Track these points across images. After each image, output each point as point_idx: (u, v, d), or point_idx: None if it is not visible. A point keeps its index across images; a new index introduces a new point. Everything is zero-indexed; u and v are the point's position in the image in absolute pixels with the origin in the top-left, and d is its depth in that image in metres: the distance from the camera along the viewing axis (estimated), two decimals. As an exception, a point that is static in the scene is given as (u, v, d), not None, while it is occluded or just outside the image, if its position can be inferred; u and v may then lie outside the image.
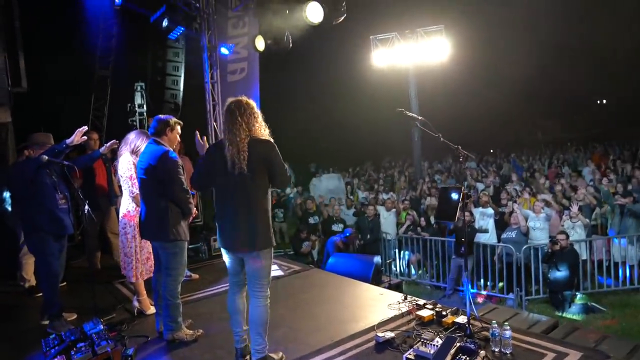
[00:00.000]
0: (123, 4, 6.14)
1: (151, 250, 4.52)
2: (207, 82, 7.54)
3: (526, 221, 8.03)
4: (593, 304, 7.23)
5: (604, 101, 37.91)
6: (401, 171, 16.59)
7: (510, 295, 7.79)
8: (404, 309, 4.36)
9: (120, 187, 4.99)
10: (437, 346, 3.31)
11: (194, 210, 3.94)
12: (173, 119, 3.95)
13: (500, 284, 7.97)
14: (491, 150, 25.66)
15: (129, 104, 11.83)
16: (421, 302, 4.46)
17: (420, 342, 3.40)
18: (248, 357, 3.40)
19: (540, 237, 8.03)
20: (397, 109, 3.63)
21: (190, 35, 7.69)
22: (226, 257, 3.37)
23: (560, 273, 7.32)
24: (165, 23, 6.68)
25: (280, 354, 3.50)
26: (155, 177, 3.70)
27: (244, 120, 3.14)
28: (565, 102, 34.04)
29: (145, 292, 4.63)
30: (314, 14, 5.81)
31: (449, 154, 21.69)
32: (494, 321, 3.51)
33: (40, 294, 5.36)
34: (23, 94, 6.47)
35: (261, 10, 6.92)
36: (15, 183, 4.30)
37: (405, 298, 4.64)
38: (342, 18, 5.96)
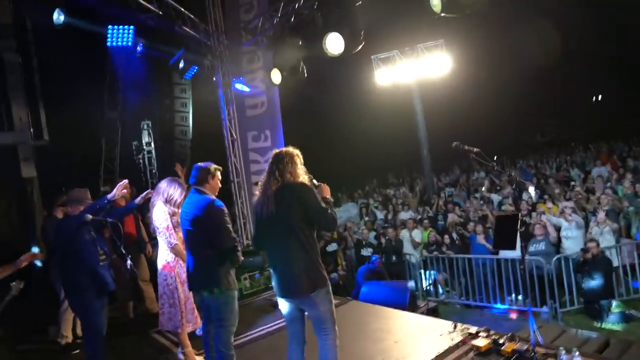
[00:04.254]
0: (145, 50, 6.18)
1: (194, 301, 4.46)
2: (225, 119, 7.53)
3: (557, 231, 7.92)
4: (631, 311, 7.08)
5: (600, 97, 38.04)
6: (412, 187, 16.52)
7: (544, 309, 7.64)
8: (457, 339, 4.27)
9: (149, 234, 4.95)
10: (506, 380, 3.22)
11: (241, 257, 3.86)
12: (213, 166, 3.91)
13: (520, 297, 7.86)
14: (495, 157, 25.62)
15: (135, 142, 11.87)
16: (473, 329, 4.37)
17: (488, 377, 3.31)
18: None
19: (572, 246, 7.81)
20: (453, 143, 3.62)
21: (202, 73, 7.71)
22: (283, 306, 3.36)
23: (595, 282, 7.20)
24: (181, 64, 6.72)
25: None
26: (203, 227, 3.65)
27: (279, 169, 3.23)
28: (561, 101, 34.20)
29: (189, 343, 4.53)
30: (334, 45, 5.82)
31: (455, 165, 21.69)
32: (561, 347, 3.42)
33: (77, 351, 5.29)
34: (45, 146, 6.47)
35: (274, 43, 6.96)
36: (57, 242, 4.24)
37: (455, 327, 4.55)
38: (361, 47, 5.98)
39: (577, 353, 3.31)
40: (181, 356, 4.49)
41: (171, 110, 11.21)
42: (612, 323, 6.95)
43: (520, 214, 3.41)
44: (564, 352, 3.35)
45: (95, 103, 9.82)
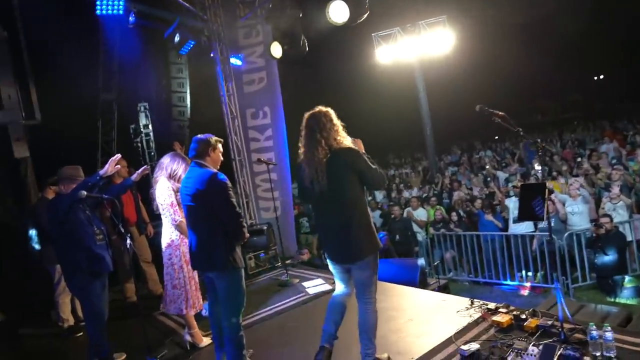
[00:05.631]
0: (137, 21, 5.84)
1: (198, 280, 4.27)
2: (224, 95, 7.23)
3: (563, 207, 7.75)
4: (645, 285, 6.95)
5: (602, 77, 37.63)
6: (414, 167, 16.32)
7: (556, 284, 7.48)
8: (476, 315, 4.08)
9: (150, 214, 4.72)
10: (535, 356, 3.04)
11: (247, 234, 3.63)
12: (214, 138, 3.66)
13: (538, 274, 7.69)
14: (496, 137, 25.46)
15: (132, 125, 11.58)
16: (491, 305, 4.19)
17: (514, 353, 3.12)
18: None
19: (579, 222, 7.72)
20: (477, 106, 3.37)
21: (198, 49, 7.40)
22: (332, 268, 3.37)
23: (609, 257, 7.04)
24: (177, 38, 6.41)
25: (386, 354, 3.50)
26: (205, 202, 3.41)
27: (323, 136, 3.09)
28: (563, 81, 33.85)
29: (196, 323, 4.34)
30: (339, 13, 5.50)
31: (454, 145, 21.43)
32: (591, 322, 3.22)
33: (80, 334, 5.12)
34: (37, 126, 6.19)
35: (273, 15, 6.64)
36: (50, 222, 4.01)
37: (472, 303, 4.36)
38: (366, 16, 5.67)
39: (609, 328, 3.10)
40: (188, 337, 4.31)
41: (168, 91, 10.89)
42: (626, 298, 6.81)
43: (547, 183, 3.16)
44: (594, 327, 3.14)
45: (90, 82, 9.50)
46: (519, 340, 3.34)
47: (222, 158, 3.76)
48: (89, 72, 9.34)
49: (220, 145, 3.72)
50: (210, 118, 9.16)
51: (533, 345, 3.15)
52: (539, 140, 3.23)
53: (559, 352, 3.02)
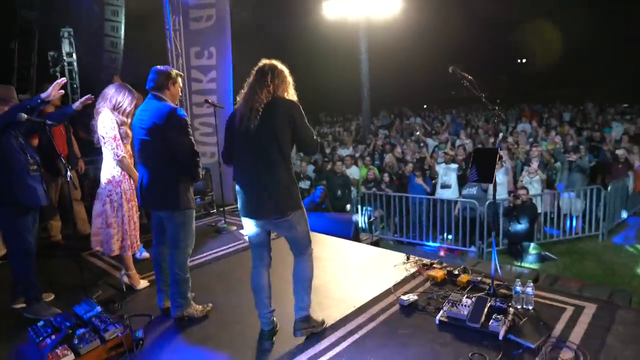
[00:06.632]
0: None
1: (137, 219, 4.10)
2: (169, 29, 6.76)
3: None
4: (546, 253, 7.78)
5: (524, 60, 39.96)
6: (345, 126, 16.59)
7: (472, 248, 8.16)
8: (412, 270, 4.35)
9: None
10: (467, 307, 3.32)
11: (202, 173, 3.54)
12: (174, 71, 3.48)
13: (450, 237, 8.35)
14: (425, 106, 26.46)
15: (52, 52, 10.51)
16: (426, 261, 4.48)
17: (450, 304, 3.39)
18: (274, 338, 3.25)
19: (499, 192, 8.35)
20: (450, 68, 3.43)
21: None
22: (248, 227, 3.14)
23: (521, 226, 7.76)
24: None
25: (322, 318, 3.40)
26: (162, 137, 3.25)
27: (274, 83, 2.90)
28: (488, 62, 35.53)
29: (133, 265, 4.20)
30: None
31: (384, 110, 21.98)
32: (517, 279, 3.58)
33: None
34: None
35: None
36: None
37: (408, 258, 4.63)
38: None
39: (531, 284, 3.47)
40: (125, 279, 4.15)
41: (100, 19, 9.92)
42: (530, 262, 7.60)
43: (499, 149, 3.38)
44: (519, 283, 3.50)
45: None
46: (454, 292, 3.62)
47: (180, 93, 3.59)
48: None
49: (180, 80, 3.55)
50: (146, 53, 8.56)
51: (467, 298, 3.44)
52: (497, 107, 3.40)
53: (489, 304, 3.33)
